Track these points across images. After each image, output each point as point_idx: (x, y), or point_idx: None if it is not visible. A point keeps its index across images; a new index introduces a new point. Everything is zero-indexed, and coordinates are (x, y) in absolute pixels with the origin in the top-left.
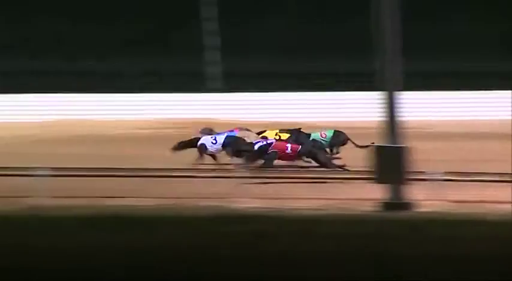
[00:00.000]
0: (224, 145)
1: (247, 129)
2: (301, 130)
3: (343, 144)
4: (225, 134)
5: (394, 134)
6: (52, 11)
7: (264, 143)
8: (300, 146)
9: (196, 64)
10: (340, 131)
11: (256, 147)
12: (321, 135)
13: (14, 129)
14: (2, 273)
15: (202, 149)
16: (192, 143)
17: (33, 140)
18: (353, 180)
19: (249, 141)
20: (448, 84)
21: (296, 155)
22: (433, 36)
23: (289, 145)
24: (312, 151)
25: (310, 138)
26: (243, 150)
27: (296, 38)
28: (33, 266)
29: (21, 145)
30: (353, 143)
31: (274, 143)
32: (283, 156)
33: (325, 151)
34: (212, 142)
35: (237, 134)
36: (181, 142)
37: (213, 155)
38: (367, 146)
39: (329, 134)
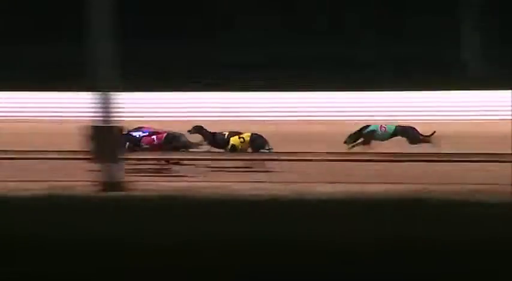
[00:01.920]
0: None
1: None
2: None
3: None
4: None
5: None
6: None
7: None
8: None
9: None
10: (404, 126)
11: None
12: (380, 128)
13: None
14: None
15: None
16: None
17: None
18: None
19: None
20: None
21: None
22: None
23: (154, 136)
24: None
25: (370, 129)
26: None
27: None
28: None
29: None
30: (419, 134)
31: (144, 136)
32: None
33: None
34: None
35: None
36: None
37: None
38: (430, 136)
39: (389, 128)
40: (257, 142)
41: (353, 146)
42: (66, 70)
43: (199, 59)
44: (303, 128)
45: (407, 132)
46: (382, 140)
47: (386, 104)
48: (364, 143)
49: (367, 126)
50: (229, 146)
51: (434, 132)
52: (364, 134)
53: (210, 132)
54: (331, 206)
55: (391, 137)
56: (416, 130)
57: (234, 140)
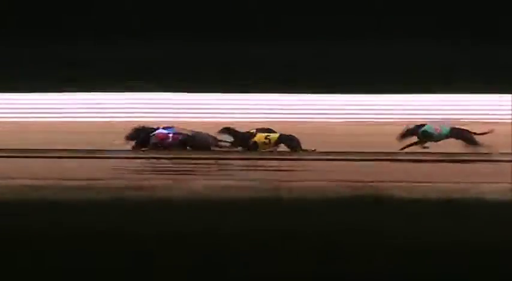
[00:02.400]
0: None
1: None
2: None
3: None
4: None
5: None
6: None
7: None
8: (181, 136)
9: None
10: (459, 128)
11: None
12: (435, 129)
13: None
14: None
15: None
16: None
17: None
18: None
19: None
20: None
21: (178, 143)
22: None
23: (171, 135)
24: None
25: (425, 130)
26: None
27: None
28: None
29: None
30: (473, 132)
31: (157, 133)
32: (165, 143)
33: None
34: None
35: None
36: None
37: None
38: (485, 133)
39: (444, 130)
40: (455, 135)
41: (408, 146)
42: None
43: None
44: None
45: (462, 135)
46: (437, 141)
47: None
48: (419, 143)
49: (422, 125)
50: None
51: (491, 131)
52: (419, 134)
53: (238, 132)
54: None
55: (446, 139)
56: (471, 132)
57: (259, 137)
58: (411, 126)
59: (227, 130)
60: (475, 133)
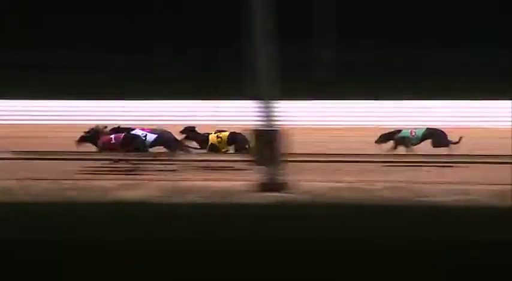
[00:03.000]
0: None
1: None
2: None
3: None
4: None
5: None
6: None
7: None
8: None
9: None
10: (434, 129)
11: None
12: (411, 133)
13: None
14: None
15: None
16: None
17: None
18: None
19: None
20: None
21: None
22: None
23: (113, 136)
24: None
25: (401, 135)
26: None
27: None
28: None
29: None
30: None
31: (102, 136)
32: (109, 145)
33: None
34: None
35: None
36: None
37: None
38: (458, 142)
39: (419, 132)
40: (236, 141)
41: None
42: None
43: None
44: None
45: (434, 135)
46: (414, 144)
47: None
48: (394, 147)
49: (399, 131)
50: (208, 145)
51: (461, 137)
52: (395, 139)
53: (197, 133)
54: None
55: (422, 141)
56: (444, 134)
57: (212, 138)
58: (387, 132)
59: (188, 131)
60: (450, 141)
